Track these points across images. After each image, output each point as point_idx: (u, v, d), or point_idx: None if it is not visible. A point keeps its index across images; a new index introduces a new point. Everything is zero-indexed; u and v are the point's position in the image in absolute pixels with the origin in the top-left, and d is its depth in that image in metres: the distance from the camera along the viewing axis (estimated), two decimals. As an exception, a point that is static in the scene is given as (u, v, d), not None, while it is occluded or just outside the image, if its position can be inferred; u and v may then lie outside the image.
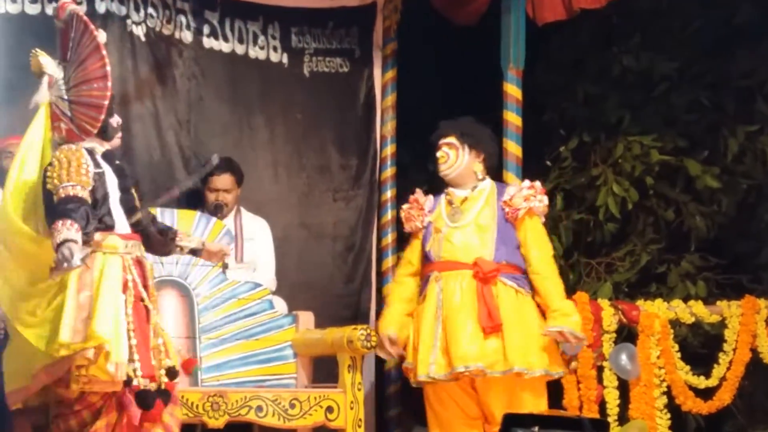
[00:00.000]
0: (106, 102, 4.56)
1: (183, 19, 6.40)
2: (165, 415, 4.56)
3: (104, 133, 4.69)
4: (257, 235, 6.19)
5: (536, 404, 5.53)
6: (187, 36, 6.42)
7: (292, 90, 6.76)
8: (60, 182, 4.47)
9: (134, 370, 4.48)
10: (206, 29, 6.48)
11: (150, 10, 6.26)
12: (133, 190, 4.74)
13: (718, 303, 6.71)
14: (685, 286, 7.17)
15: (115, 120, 4.73)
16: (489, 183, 5.75)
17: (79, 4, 5.55)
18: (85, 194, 4.48)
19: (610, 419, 6.25)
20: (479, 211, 5.66)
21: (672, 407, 6.45)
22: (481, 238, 5.61)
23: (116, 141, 4.79)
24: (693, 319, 6.62)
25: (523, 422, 4.71)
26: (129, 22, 6.11)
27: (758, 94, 7.36)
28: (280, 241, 6.40)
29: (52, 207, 4.46)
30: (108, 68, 4.56)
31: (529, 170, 6.71)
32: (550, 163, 7.54)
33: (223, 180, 6.10)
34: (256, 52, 6.65)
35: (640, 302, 6.61)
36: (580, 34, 7.53)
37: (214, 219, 5.82)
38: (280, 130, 6.71)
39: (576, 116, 7.53)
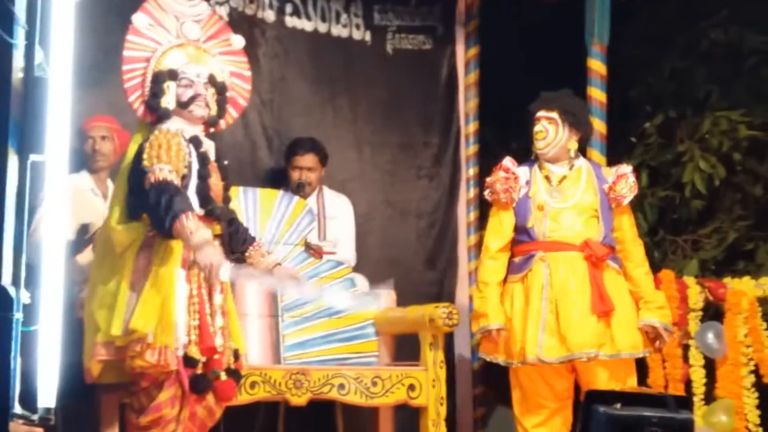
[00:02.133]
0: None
1: (265, -2, 6.44)
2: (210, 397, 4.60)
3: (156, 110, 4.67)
4: (339, 213, 6.19)
5: (632, 381, 5.53)
6: (270, 15, 6.44)
7: (375, 68, 6.76)
8: (158, 161, 4.45)
9: (193, 349, 4.50)
10: (289, 8, 6.51)
11: (233, -11, 6.30)
12: (210, 181, 4.66)
13: (808, 280, 6.60)
14: (773, 264, 7.08)
15: (190, 92, 4.67)
16: (583, 162, 5.66)
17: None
18: (178, 181, 4.47)
19: (696, 398, 6.20)
20: (583, 193, 5.57)
21: (760, 386, 6.36)
22: (588, 220, 5.53)
23: (194, 114, 4.70)
24: (782, 297, 6.52)
25: (605, 399, 4.68)
26: (212, 2, 6.11)
27: None
28: (363, 219, 6.41)
29: (141, 188, 4.46)
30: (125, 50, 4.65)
31: (614, 147, 6.64)
32: (635, 140, 7.46)
33: (307, 159, 6.10)
34: (338, 30, 6.66)
35: (727, 280, 6.52)
36: (666, 8, 7.42)
37: (296, 197, 5.83)
38: (363, 108, 6.71)
39: (662, 91, 7.44)
